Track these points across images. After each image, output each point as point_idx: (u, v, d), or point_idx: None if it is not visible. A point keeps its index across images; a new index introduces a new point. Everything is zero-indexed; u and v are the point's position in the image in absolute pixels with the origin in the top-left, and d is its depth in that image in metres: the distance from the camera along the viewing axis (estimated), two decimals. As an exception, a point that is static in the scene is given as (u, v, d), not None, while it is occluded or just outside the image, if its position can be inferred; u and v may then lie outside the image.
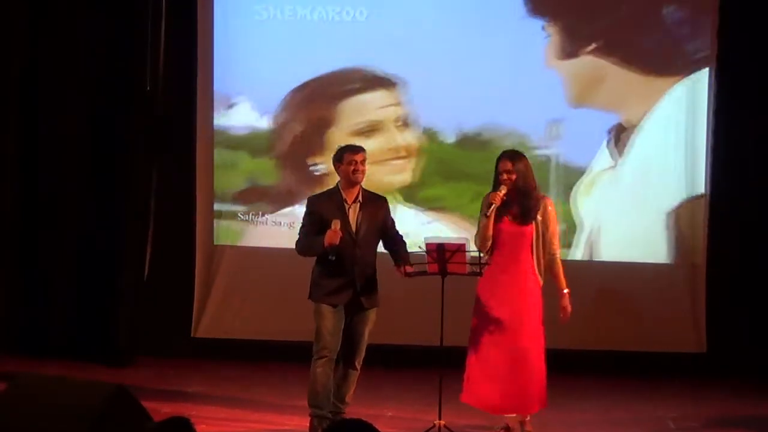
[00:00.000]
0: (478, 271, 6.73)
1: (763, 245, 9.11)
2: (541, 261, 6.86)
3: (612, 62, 9.30)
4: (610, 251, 9.36)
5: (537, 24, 9.31)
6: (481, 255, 6.81)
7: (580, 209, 9.40)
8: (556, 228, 6.97)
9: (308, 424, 6.90)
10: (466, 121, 9.42)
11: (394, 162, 9.54)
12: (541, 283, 6.87)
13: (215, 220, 9.57)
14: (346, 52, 9.42)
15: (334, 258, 6.74)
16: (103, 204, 9.38)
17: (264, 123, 9.56)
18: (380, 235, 6.99)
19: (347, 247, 6.77)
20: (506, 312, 6.81)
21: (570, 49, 9.33)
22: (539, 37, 9.32)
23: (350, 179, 6.88)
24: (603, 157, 9.38)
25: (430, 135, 9.47)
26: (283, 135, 9.54)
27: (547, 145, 9.35)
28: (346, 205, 6.88)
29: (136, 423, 4.82)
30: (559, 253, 6.94)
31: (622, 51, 9.27)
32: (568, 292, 6.87)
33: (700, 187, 9.16)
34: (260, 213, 9.51)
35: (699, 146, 9.16)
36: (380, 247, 7.05)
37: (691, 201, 9.22)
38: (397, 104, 9.53)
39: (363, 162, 6.88)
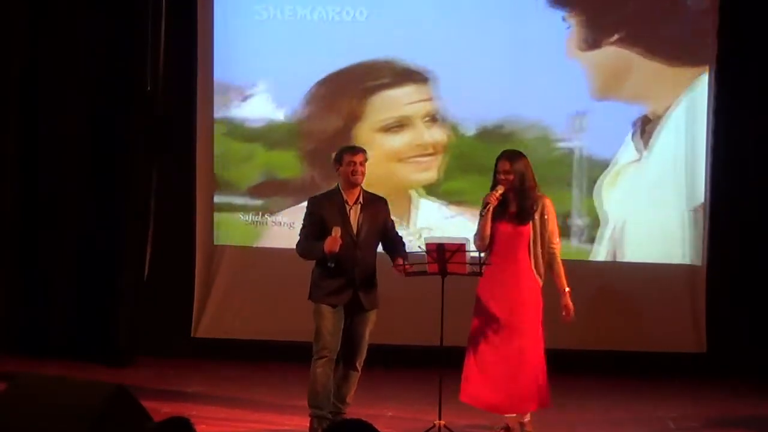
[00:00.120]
0: (478, 271, 6.73)
1: (763, 246, 9.10)
2: (539, 261, 6.86)
3: (636, 52, 9.19)
4: (634, 247, 9.27)
5: (557, 15, 9.22)
6: (481, 255, 6.81)
7: (605, 203, 9.31)
8: (556, 227, 6.96)
9: (308, 424, 6.90)
10: (487, 114, 9.32)
11: (421, 159, 9.44)
12: (541, 282, 6.87)
13: (227, 214, 9.52)
14: (372, 45, 9.32)
15: (333, 265, 6.74)
16: (103, 204, 9.38)
17: (281, 115, 9.50)
18: (380, 237, 6.99)
19: (348, 248, 6.77)
20: (504, 311, 6.82)
21: (592, 39, 9.22)
22: (560, 28, 9.22)
23: (350, 180, 6.88)
24: (628, 150, 9.28)
25: (451, 128, 9.39)
26: (308, 128, 9.47)
27: (570, 138, 9.28)
28: (347, 206, 6.88)
29: (136, 423, 4.82)
30: (559, 251, 6.93)
31: (647, 41, 9.15)
32: (569, 291, 6.87)
33: (701, 186, 9.16)
34: (260, 213, 9.50)
35: (699, 146, 9.16)
36: (380, 248, 7.05)
37: (693, 200, 9.23)
38: (427, 100, 9.41)
39: (362, 163, 6.87)
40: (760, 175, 9.11)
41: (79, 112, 9.40)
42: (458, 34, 9.29)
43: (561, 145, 9.26)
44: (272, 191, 9.55)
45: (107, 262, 9.35)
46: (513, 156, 6.91)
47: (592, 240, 9.32)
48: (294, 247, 7.03)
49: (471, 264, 6.75)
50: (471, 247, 6.86)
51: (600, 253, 9.32)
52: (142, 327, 9.38)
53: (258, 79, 9.47)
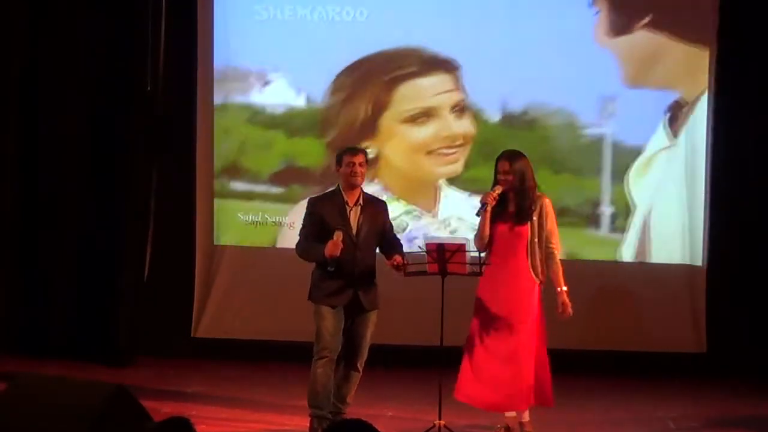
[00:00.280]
0: (478, 271, 6.73)
1: (763, 246, 9.10)
2: (537, 261, 6.86)
3: (667, 36, 9.08)
4: (663, 238, 9.20)
5: (585, 0, 9.13)
6: (481, 255, 6.81)
7: (634, 191, 9.24)
8: (555, 227, 6.96)
9: (308, 424, 6.90)
10: (511, 100, 9.24)
11: (447, 151, 9.34)
12: (538, 282, 6.87)
13: (246, 202, 9.49)
14: (399, 34, 9.25)
15: (333, 269, 6.74)
16: (103, 204, 9.38)
17: (302, 101, 9.47)
18: (380, 238, 6.99)
19: (347, 249, 6.76)
20: (502, 311, 6.83)
21: (621, 24, 9.10)
22: (588, 14, 9.13)
23: (349, 181, 6.87)
24: (659, 136, 9.18)
25: (476, 115, 9.30)
26: (333, 116, 9.40)
27: (599, 124, 9.18)
28: (347, 207, 6.88)
29: (136, 423, 4.82)
30: (557, 251, 6.93)
31: (678, 23, 9.03)
32: (566, 291, 6.86)
33: (701, 185, 9.16)
34: (260, 213, 9.49)
35: (699, 147, 9.17)
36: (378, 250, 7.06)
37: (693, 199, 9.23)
38: (454, 90, 9.30)
39: (362, 164, 6.87)
40: (760, 175, 9.11)
41: (79, 112, 9.40)
42: (484, 22, 9.21)
43: (589, 131, 9.17)
44: (293, 179, 9.50)
45: (107, 262, 9.35)
46: (513, 156, 6.91)
47: (622, 229, 9.25)
48: (294, 247, 7.03)
49: (471, 264, 6.76)
50: (471, 247, 6.86)
51: (630, 242, 9.23)
52: (142, 327, 9.38)
53: (276, 64, 9.42)
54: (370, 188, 9.20)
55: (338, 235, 6.70)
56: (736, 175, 9.11)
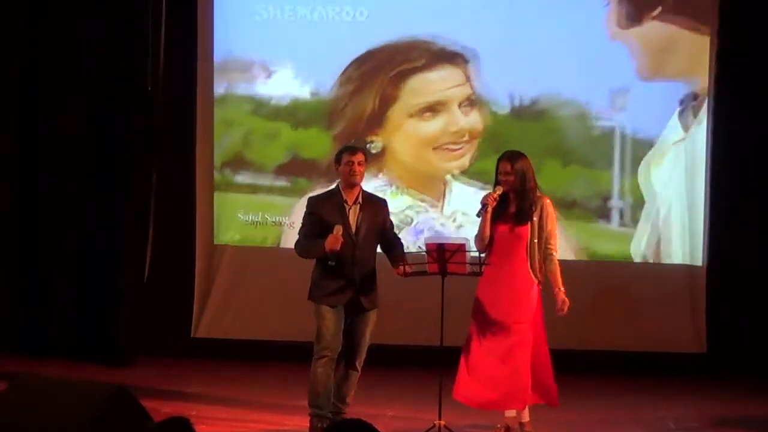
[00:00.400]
0: (478, 271, 6.73)
1: (763, 246, 9.10)
2: (536, 261, 6.86)
3: (679, 26, 9.00)
4: (677, 231, 9.12)
5: None
6: (481, 255, 6.81)
7: (646, 185, 9.16)
8: (555, 228, 6.96)
9: (308, 424, 6.90)
10: (520, 91, 9.16)
11: (454, 146, 9.26)
12: (537, 282, 6.87)
13: (251, 195, 9.47)
14: (408, 25, 9.20)
15: (333, 263, 6.74)
16: (103, 204, 9.38)
17: (307, 93, 9.41)
18: (380, 237, 6.99)
19: (347, 248, 6.77)
20: (500, 311, 6.83)
21: (633, 15, 9.03)
22: (599, 5, 9.06)
23: (348, 180, 6.88)
24: (673, 129, 9.11)
25: (485, 107, 9.21)
26: (339, 108, 9.36)
27: (611, 116, 9.10)
28: (346, 206, 6.88)
29: (136, 423, 4.82)
30: (556, 253, 6.93)
31: (688, 13, 8.96)
32: (563, 291, 6.85)
33: (701, 184, 9.15)
34: (260, 213, 9.49)
35: (700, 144, 9.16)
36: (379, 248, 7.05)
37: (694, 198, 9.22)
38: (463, 84, 9.22)
39: (360, 163, 6.87)
40: (760, 175, 9.11)
41: (79, 112, 9.40)
42: (493, 13, 9.17)
43: (600, 123, 9.09)
44: (299, 171, 9.46)
45: (107, 262, 9.35)
46: (514, 157, 6.91)
47: (634, 222, 9.18)
48: (293, 247, 7.03)
49: (471, 264, 6.76)
50: (471, 246, 6.86)
51: (643, 235, 9.17)
52: (142, 327, 9.38)
53: (280, 55, 9.38)
54: (376, 182, 9.18)
55: (338, 229, 6.70)
56: (736, 175, 9.11)
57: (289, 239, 8.47)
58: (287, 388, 8.18)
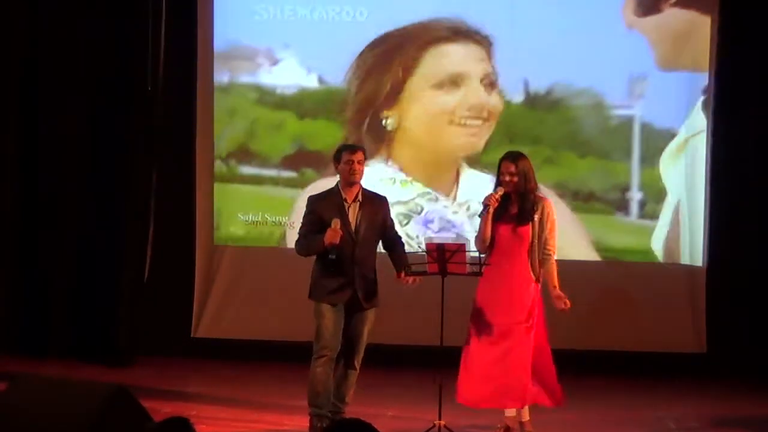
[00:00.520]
0: (478, 271, 6.73)
1: (763, 246, 9.10)
2: (536, 262, 6.86)
3: (702, 13, 8.84)
4: (694, 227, 8.95)
5: None
6: (481, 255, 6.81)
7: (667, 176, 9.00)
8: (554, 229, 6.95)
9: (308, 424, 6.90)
10: (535, 79, 8.99)
11: (472, 123, 9.04)
12: (537, 282, 6.87)
13: (256, 186, 9.41)
14: (430, 5, 9.04)
15: (334, 257, 6.73)
16: (103, 204, 9.38)
17: (313, 81, 9.28)
18: (380, 235, 6.99)
19: (347, 246, 6.77)
20: (500, 311, 6.83)
21: (650, 3, 8.87)
22: None
23: (348, 179, 6.87)
24: (696, 119, 8.94)
25: (501, 95, 9.04)
26: (353, 89, 9.21)
27: (629, 105, 8.92)
28: (345, 204, 6.88)
29: (136, 423, 4.82)
30: (554, 254, 6.93)
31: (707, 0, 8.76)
32: (557, 288, 6.83)
33: (701, 184, 9.15)
34: (260, 213, 9.48)
35: (699, 148, 9.16)
36: (379, 248, 7.05)
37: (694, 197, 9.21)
38: (485, 60, 9.00)
39: (360, 162, 6.87)
40: (760, 175, 9.10)
41: (79, 112, 9.40)
42: (507, 1, 9.02)
43: (617, 112, 8.90)
44: (305, 162, 9.34)
45: (107, 262, 9.35)
46: (517, 157, 6.90)
47: (653, 215, 9.04)
48: (293, 246, 7.03)
49: (471, 264, 6.76)
50: (471, 247, 6.86)
51: (662, 230, 9.05)
52: (142, 327, 9.38)
53: (286, 42, 9.29)
54: (386, 170, 9.10)
55: (336, 223, 6.70)
56: (736, 175, 9.10)
57: (290, 239, 8.47)
58: (287, 388, 8.18)
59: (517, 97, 9.08)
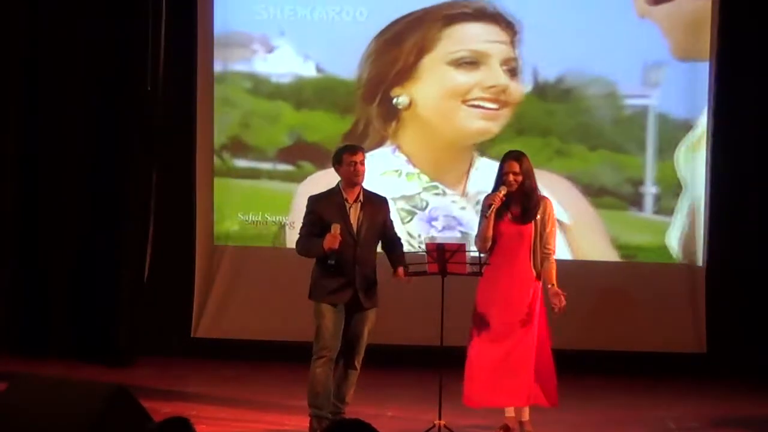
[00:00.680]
0: (478, 271, 6.73)
1: (762, 245, 9.09)
2: (538, 261, 6.86)
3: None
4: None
5: None
6: (481, 255, 6.81)
7: (684, 170, 8.74)
8: (554, 229, 6.97)
9: (308, 424, 6.90)
10: (544, 68, 8.71)
11: (487, 105, 8.70)
12: (539, 281, 6.87)
13: (250, 180, 9.25)
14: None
15: (333, 262, 6.73)
16: (103, 204, 9.38)
17: (311, 70, 9.02)
18: (380, 236, 6.99)
19: (348, 246, 6.77)
20: (502, 311, 6.83)
21: None
22: None
23: (351, 180, 6.87)
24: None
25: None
26: (367, 70, 8.95)
27: (644, 94, 8.63)
28: (346, 204, 6.88)
29: (136, 423, 4.82)
30: (554, 254, 6.93)
31: None
32: (555, 286, 6.82)
33: (701, 184, 9.14)
34: (260, 213, 9.47)
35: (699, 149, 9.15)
36: (378, 248, 7.05)
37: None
38: (509, 45, 8.65)
39: (362, 162, 6.87)
40: (760, 175, 9.10)
41: (79, 112, 9.40)
42: None
43: (631, 102, 8.60)
44: (302, 155, 9.13)
45: (107, 262, 9.35)
46: (519, 157, 6.90)
47: (668, 211, 8.79)
48: (294, 246, 7.03)
49: (471, 264, 6.76)
50: (471, 246, 6.87)
51: (678, 226, 8.85)
52: (142, 327, 9.38)
53: (281, 29, 9.12)
54: (392, 160, 8.90)
55: (335, 228, 6.69)
56: (736, 175, 9.09)
57: (290, 239, 8.46)
58: (287, 388, 8.17)
59: (526, 87, 8.81)
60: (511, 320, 6.81)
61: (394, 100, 8.98)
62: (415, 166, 9.02)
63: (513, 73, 8.78)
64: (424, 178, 9.04)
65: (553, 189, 8.39)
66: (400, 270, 6.85)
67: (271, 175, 9.28)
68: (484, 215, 6.84)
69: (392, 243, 7.03)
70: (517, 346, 6.81)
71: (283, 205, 9.31)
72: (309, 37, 9.11)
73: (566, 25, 8.69)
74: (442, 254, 6.74)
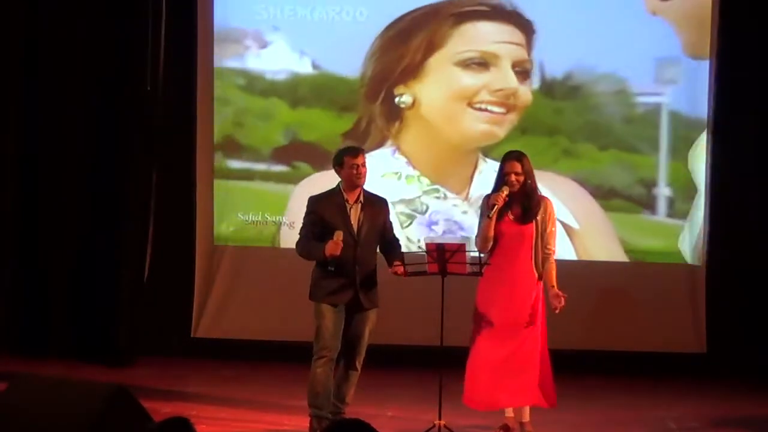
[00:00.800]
0: (478, 271, 6.73)
1: (763, 245, 9.09)
2: (539, 260, 6.87)
3: None
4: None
5: None
6: (481, 255, 6.81)
7: (698, 171, 8.50)
8: (554, 229, 6.96)
9: (308, 425, 6.90)
10: (551, 64, 8.40)
11: (493, 108, 8.43)
12: (540, 280, 6.87)
13: (247, 182, 9.16)
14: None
15: (333, 269, 6.73)
16: (103, 204, 9.38)
17: (307, 66, 8.76)
18: (380, 237, 6.99)
19: (348, 247, 6.77)
20: (504, 311, 6.83)
21: None
22: None
23: (353, 183, 6.87)
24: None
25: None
26: (371, 68, 8.74)
27: (657, 92, 8.36)
28: (347, 205, 6.88)
29: (136, 423, 4.82)
30: (554, 254, 6.93)
31: None
32: (555, 287, 6.83)
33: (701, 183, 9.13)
34: (260, 213, 9.46)
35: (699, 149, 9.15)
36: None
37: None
38: (523, 46, 8.34)
39: (364, 164, 6.87)
40: (760, 175, 9.09)
41: (79, 112, 9.40)
42: None
43: (643, 100, 8.33)
44: (298, 155, 8.94)
45: (107, 262, 9.35)
46: (521, 157, 6.90)
47: (683, 214, 8.54)
48: (294, 246, 7.03)
49: (471, 264, 6.75)
50: (471, 246, 6.86)
51: (694, 231, 8.66)
52: (142, 327, 9.38)
53: (275, 24, 8.96)
54: (391, 162, 8.75)
55: (338, 235, 6.70)
56: (735, 175, 9.09)
57: (290, 239, 8.44)
58: (287, 388, 8.17)
59: (532, 84, 8.56)
60: (512, 321, 6.81)
61: (397, 99, 8.85)
62: (415, 168, 8.89)
63: (525, 75, 8.51)
64: (425, 180, 8.91)
65: (561, 191, 8.26)
66: (398, 267, 6.82)
67: (266, 176, 9.11)
68: (487, 215, 6.83)
69: (391, 244, 7.03)
70: (521, 347, 6.80)
71: (279, 206, 9.23)
72: (304, 33, 8.95)
73: (574, 20, 8.46)
74: (442, 254, 6.74)
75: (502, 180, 6.87)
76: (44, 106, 9.40)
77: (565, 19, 8.44)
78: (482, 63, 8.54)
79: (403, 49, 8.78)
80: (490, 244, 6.86)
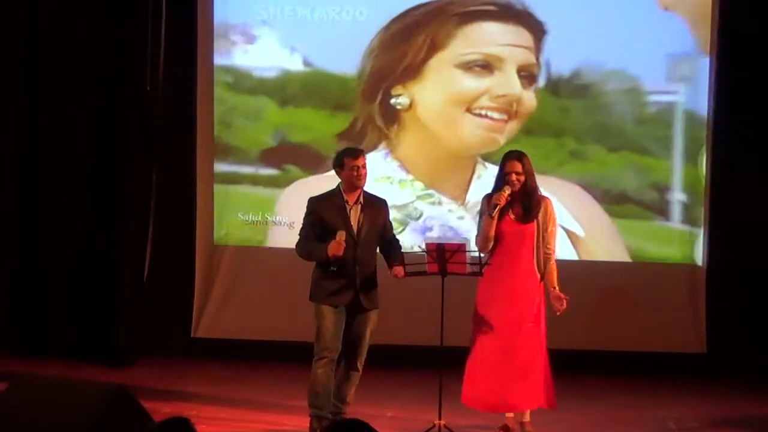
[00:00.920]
0: (478, 271, 6.73)
1: (763, 246, 9.09)
2: (541, 260, 6.87)
3: None
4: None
5: None
6: (481, 255, 6.81)
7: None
8: (554, 229, 6.96)
9: (308, 425, 6.90)
10: (557, 61, 8.05)
11: (494, 115, 8.11)
12: (541, 280, 6.87)
13: (234, 185, 9.03)
14: None
15: (335, 269, 6.73)
16: (102, 204, 9.38)
17: (297, 63, 8.45)
18: (380, 237, 6.99)
19: (348, 248, 6.76)
20: (503, 310, 6.82)
21: None
22: None
23: (353, 184, 6.86)
24: None
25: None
26: (369, 65, 8.53)
27: (670, 90, 8.05)
28: (347, 206, 6.88)
29: (136, 423, 4.82)
30: (554, 254, 6.93)
31: None
32: (557, 289, 6.84)
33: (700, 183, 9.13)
34: (260, 213, 9.46)
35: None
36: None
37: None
38: (532, 50, 7.97)
39: (364, 166, 6.86)
40: (760, 175, 9.09)
41: (79, 112, 9.40)
42: None
43: (655, 98, 8.00)
44: (288, 158, 8.75)
45: (107, 262, 9.35)
46: (521, 156, 6.90)
47: (698, 220, 8.22)
48: (293, 247, 7.03)
49: (471, 264, 6.75)
50: (471, 246, 6.86)
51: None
52: (142, 327, 9.38)
53: (264, 18, 8.77)
54: (384, 167, 8.62)
55: (341, 235, 6.70)
56: (736, 174, 9.08)
57: (290, 239, 8.43)
58: (287, 388, 8.17)
59: (538, 82, 8.25)
60: (513, 321, 6.80)
61: (393, 100, 8.71)
62: (408, 172, 8.66)
63: (531, 80, 8.19)
64: (419, 185, 8.71)
65: (567, 197, 8.07)
66: (398, 268, 6.82)
67: (254, 180, 8.89)
68: (489, 215, 6.82)
69: (390, 244, 7.03)
70: (524, 347, 6.79)
71: (269, 208, 9.12)
72: (296, 30, 8.70)
73: (581, 15, 8.16)
74: (442, 254, 6.74)
75: (502, 180, 6.86)
76: (44, 106, 9.40)
77: (572, 14, 8.15)
78: (485, 66, 8.27)
79: (405, 47, 8.61)
80: (491, 243, 6.85)
